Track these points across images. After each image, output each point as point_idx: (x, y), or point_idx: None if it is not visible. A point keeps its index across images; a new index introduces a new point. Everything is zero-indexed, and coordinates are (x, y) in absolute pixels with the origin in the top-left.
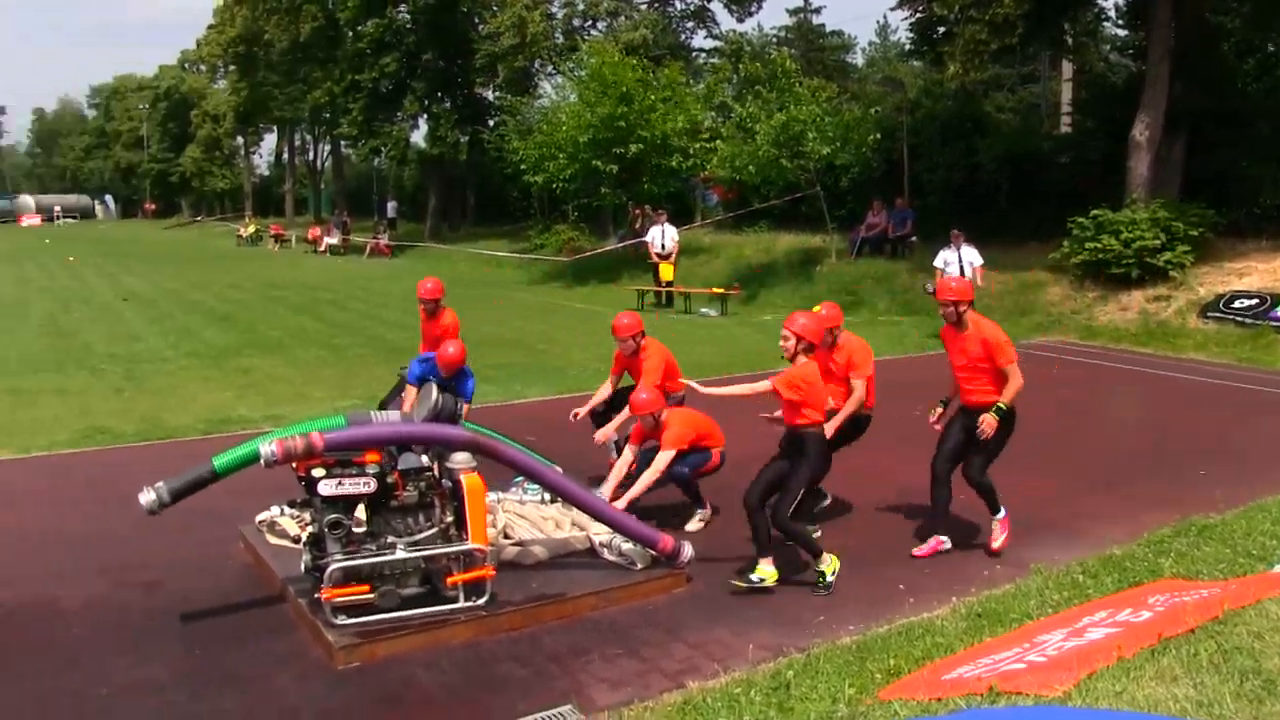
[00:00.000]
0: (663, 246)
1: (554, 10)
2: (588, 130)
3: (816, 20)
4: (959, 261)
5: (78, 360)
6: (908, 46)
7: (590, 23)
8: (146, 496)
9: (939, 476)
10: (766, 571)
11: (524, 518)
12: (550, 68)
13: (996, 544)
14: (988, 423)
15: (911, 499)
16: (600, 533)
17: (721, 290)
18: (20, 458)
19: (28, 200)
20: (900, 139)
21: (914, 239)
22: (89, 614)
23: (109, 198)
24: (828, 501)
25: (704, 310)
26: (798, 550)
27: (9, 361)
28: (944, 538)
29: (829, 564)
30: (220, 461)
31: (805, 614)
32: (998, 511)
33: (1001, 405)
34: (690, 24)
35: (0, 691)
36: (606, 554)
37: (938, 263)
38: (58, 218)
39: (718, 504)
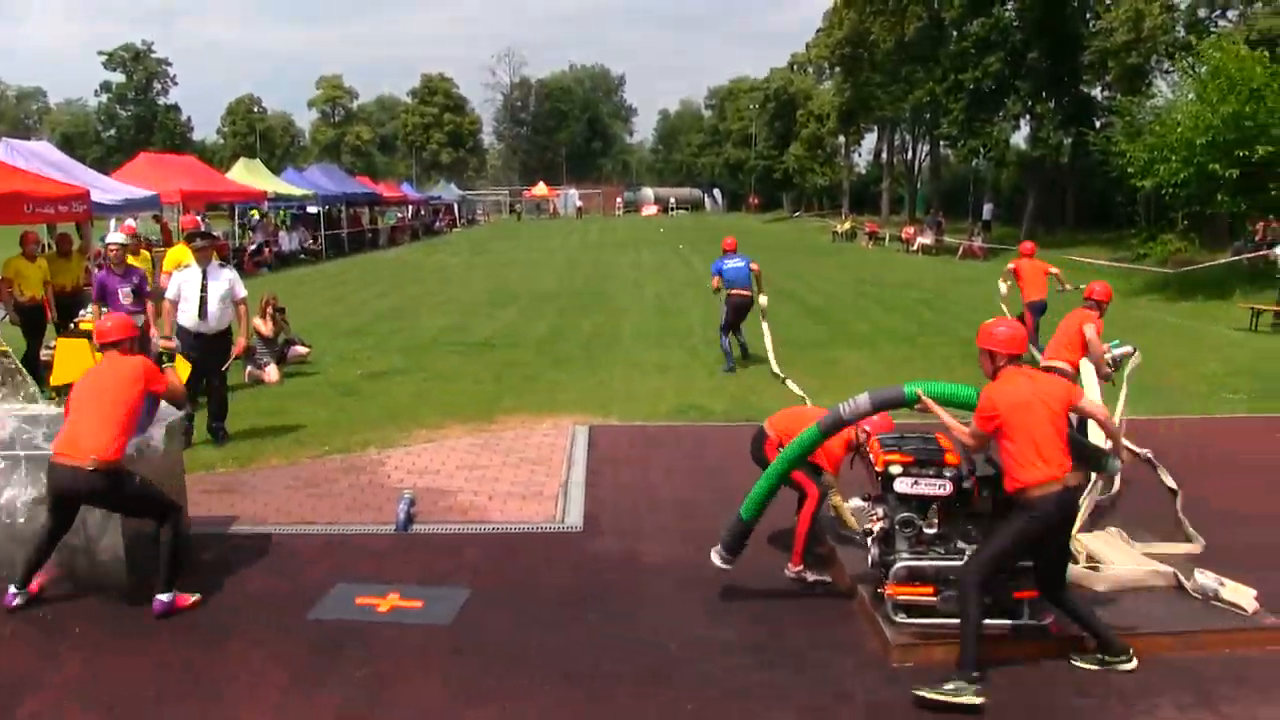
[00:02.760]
0: None
1: (1175, 1)
2: (1206, 132)
3: None
4: None
5: (680, 339)
6: None
7: (1219, 12)
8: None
9: None
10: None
11: (1104, 542)
12: (1167, 64)
13: None
14: None
15: None
16: (1179, 566)
17: None
18: (624, 424)
19: (648, 192)
20: None
21: None
22: (670, 572)
23: (717, 191)
24: None
25: None
26: None
27: (625, 336)
28: None
29: None
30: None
31: None
32: None
33: None
34: None
35: (579, 628)
36: (1195, 594)
37: None
38: (671, 209)
39: None
